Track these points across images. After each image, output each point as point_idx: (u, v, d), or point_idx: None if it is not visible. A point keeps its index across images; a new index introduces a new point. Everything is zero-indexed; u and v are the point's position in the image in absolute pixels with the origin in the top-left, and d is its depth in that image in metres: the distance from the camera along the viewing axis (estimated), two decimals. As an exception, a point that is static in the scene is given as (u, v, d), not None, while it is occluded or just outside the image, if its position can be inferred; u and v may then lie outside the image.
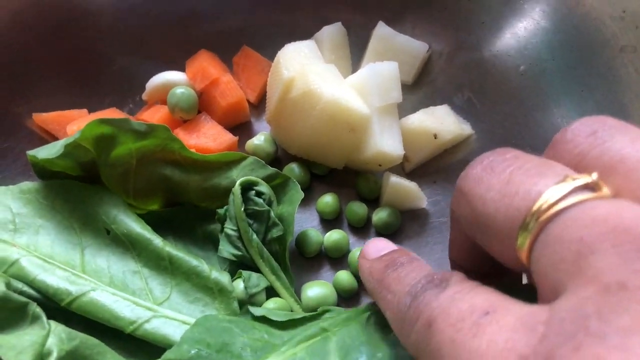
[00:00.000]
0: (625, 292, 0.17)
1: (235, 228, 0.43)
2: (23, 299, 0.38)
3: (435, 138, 0.48)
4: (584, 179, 0.21)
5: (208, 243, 0.46)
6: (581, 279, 0.19)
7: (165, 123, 0.49)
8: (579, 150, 0.23)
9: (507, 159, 0.24)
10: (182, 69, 0.52)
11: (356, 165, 0.49)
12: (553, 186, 0.21)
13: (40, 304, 0.39)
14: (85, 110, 0.50)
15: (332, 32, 0.52)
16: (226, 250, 0.43)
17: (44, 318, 0.37)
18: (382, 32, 0.51)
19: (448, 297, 0.23)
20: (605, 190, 0.21)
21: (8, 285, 0.38)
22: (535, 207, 0.21)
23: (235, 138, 0.49)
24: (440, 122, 0.49)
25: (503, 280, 0.29)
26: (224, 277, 0.42)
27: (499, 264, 0.25)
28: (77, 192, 0.44)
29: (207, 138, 0.48)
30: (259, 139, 0.49)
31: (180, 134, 0.49)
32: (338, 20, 0.53)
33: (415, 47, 0.51)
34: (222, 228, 0.44)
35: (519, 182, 0.22)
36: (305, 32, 0.53)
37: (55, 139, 0.50)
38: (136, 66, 0.53)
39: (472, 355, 0.20)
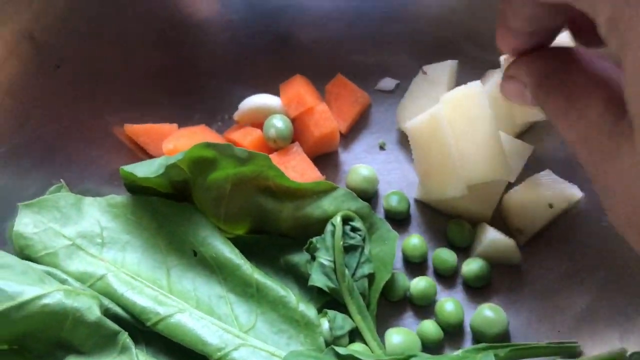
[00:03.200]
0: None
1: (330, 259, 0.42)
2: (116, 327, 0.37)
3: (551, 207, 0.46)
4: None
5: (289, 274, 0.45)
6: None
7: (257, 147, 0.48)
8: None
9: None
10: (273, 91, 0.51)
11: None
12: None
13: (122, 322, 0.39)
14: (175, 125, 0.50)
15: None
16: (319, 280, 0.42)
17: (134, 350, 0.37)
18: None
19: None
20: None
21: (105, 311, 0.37)
22: None
23: (322, 177, 0.48)
24: (552, 189, 0.46)
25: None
26: (310, 311, 0.41)
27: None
28: (165, 210, 0.43)
29: (296, 172, 0.47)
30: (362, 175, 0.48)
31: (269, 161, 0.48)
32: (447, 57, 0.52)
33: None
34: (312, 258, 0.43)
35: None
36: (402, 67, 0.52)
37: (143, 151, 0.49)
38: (228, 84, 0.52)
39: None
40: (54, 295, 0.35)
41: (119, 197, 0.43)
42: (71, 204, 0.42)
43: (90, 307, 0.36)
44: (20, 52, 0.43)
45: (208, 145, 0.40)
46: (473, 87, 0.44)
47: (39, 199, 0.41)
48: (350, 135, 0.52)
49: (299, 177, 0.47)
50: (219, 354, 0.38)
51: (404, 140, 0.52)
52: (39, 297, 0.34)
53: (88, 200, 0.42)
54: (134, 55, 0.49)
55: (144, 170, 0.41)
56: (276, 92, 0.51)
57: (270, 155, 0.48)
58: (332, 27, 0.53)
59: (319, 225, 0.43)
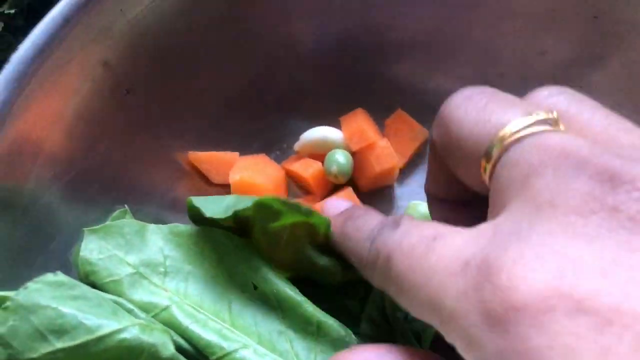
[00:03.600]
0: (553, 209, 0.20)
1: (382, 303, 0.42)
2: (188, 365, 0.37)
3: None
4: (545, 115, 0.24)
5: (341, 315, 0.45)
6: (522, 199, 0.22)
7: (317, 180, 0.49)
8: (551, 101, 0.26)
9: (486, 92, 0.27)
10: (331, 122, 0.51)
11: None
12: (520, 117, 0.24)
13: (185, 354, 0.38)
14: (236, 154, 0.50)
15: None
16: (369, 326, 0.42)
17: (205, 390, 0.37)
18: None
19: (401, 232, 0.26)
20: (562, 127, 0.24)
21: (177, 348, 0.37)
22: (501, 133, 0.24)
23: None
24: None
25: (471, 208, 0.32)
26: (370, 353, 0.41)
27: (468, 192, 0.29)
28: (227, 243, 0.43)
29: None
30: (420, 213, 0.48)
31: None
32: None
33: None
34: (363, 301, 0.43)
35: (491, 111, 0.26)
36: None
37: (204, 177, 0.49)
38: (288, 114, 0.52)
39: (425, 272, 0.23)
40: (130, 330, 0.35)
41: (182, 226, 0.43)
42: (135, 231, 0.42)
43: (164, 343, 0.36)
44: (94, 78, 0.43)
45: (278, 200, 0.39)
46: None
47: (105, 224, 0.41)
48: (407, 170, 0.52)
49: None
50: (281, 392, 0.38)
51: (460, 178, 0.52)
52: (117, 332, 0.34)
53: (152, 227, 0.42)
54: (201, 83, 0.49)
55: (213, 209, 0.40)
56: (334, 123, 0.51)
57: (323, 201, 0.48)
58: (393, 61, 0.53)
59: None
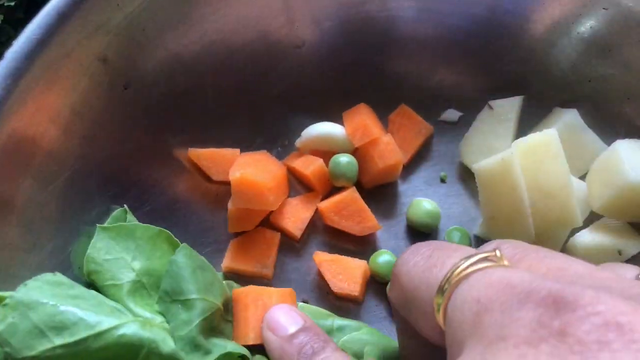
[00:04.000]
0: (504, 342, 0.20)
1: None
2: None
3: (619, 254, 0.44)
4: (488, 253, 0.25)
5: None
6: (475, 337, 0.22)
7: (318, 177, 0.48)
8: (495, 246, 0.27)
9: (430, 244, 0.30)
10: (333, 117, 0.50)
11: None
12: (465, 258, 0.25)
13: None
14: (237, 151, 0.49)
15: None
16: None
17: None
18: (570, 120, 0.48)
19: None
20: (505, 262, 0.25)
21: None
22: (448, 274, 0.25)
23: (380, 226, 0.47)
24: (620, 235, 0.45)
25: None
26: None
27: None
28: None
29: (352, 220, 0.47)
30: (424, 209, 0.47)
31: (326, 210, 0.47)
32: (513, 90, 0.51)
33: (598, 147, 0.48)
34: None
35: (437, 257, 0.27)
36: (466, 99, 0.52)
37: (204, 174, 0.48)
38: (290, 110, 0.52)
39: None
40: (130, 326, 0.34)
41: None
42: (148, 237, 0.40)
43: (164, 339, 0.35)
44: (92, 74, 0.42)
45: None
46: (549, 135, 0.44)
47: (118, 224, 0.40)
48: (410, 166, 0.51)
49: (354, 225, 0.47)
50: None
51: (465, 174, 0.51)
52: (117, 327, 0.33)
53: (165, 234, 0.41)
54: (201, 79, 0.48)
55: None
56: (336, 119, 0.50)
57: (326, 202, 0.48)
58: (396, 56, 0.52)
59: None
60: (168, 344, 0.35)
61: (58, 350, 0.32)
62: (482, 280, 0.24)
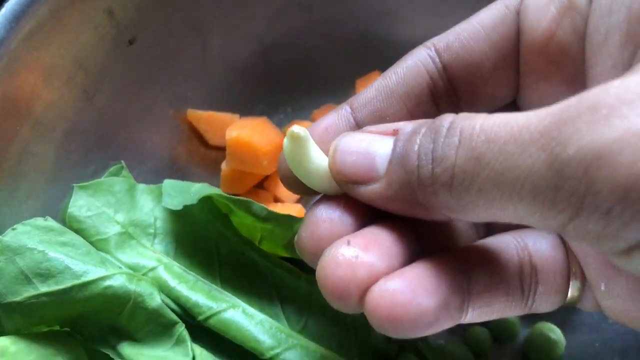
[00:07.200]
0: None
1: None
2: (174, 317, 0.36)
3: None
4: None
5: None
6: None
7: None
8: None
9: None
10: (345, 86, 0.51)
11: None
12: None
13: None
14: (237, 116, 0.49)
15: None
16: None
17: (189, 343, 0.36)
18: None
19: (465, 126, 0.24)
20: None
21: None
22: None
23: None
24: None
25: None
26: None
27: None
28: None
29: None
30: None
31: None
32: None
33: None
34: None
35: None
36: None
37: (201, 138, 0.48)
38: (296, 77, 0.52)
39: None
40: (117, 278, 0.34)
41: (173, 186, 0.42)
42: (126, 190, 0.40)
43: (151, 294, 0.35)
44: (97, 26, 0.42)
45: (225, 197, 0.38)
46: None
47: (95, 181, 0.40)
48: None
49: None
50: (271, 352, 0.37)
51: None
52: (103, 278, 0.33)
53: (142, 187, 0.41)
54: (207, 41, 0.48)
55: (180, 200, 0.39)
56: (347, 87, 0.51)
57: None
58: (411, 26, 0.52)
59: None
60: (155, 299, 0.35)
61: (43, 298, 0.32)
62: None
